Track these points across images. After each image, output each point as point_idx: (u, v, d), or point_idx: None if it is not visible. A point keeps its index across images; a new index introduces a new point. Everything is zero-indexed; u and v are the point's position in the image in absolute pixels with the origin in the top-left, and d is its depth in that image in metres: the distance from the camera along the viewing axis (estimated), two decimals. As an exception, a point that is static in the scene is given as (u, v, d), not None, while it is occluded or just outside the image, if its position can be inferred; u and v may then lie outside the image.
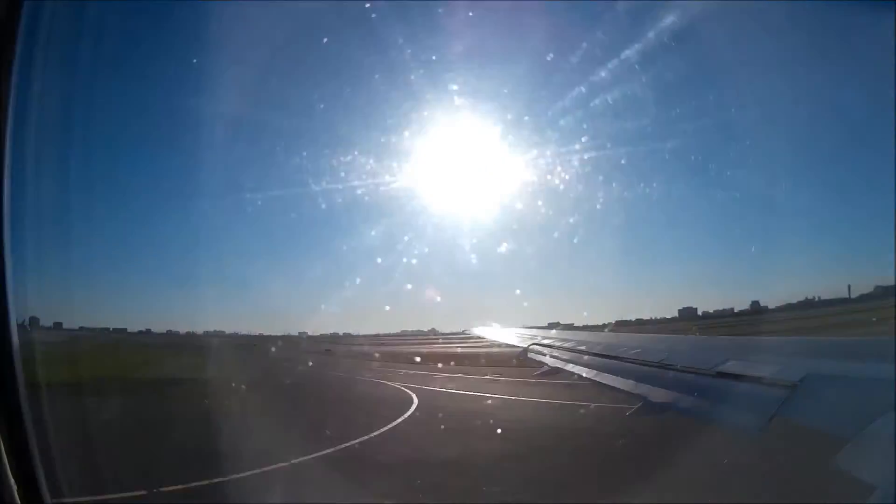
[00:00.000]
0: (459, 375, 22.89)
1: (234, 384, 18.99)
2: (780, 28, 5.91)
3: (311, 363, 32.33)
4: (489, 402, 16.76)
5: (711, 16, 6.69)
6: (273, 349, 38.95)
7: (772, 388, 3.32)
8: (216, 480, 8.04)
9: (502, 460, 9.41)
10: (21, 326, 2.63)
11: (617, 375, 5.24)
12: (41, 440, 2.60)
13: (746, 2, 7.06)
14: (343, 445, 10.63)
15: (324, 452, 10.05)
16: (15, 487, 2.36)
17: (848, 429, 2.56)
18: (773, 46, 6.41)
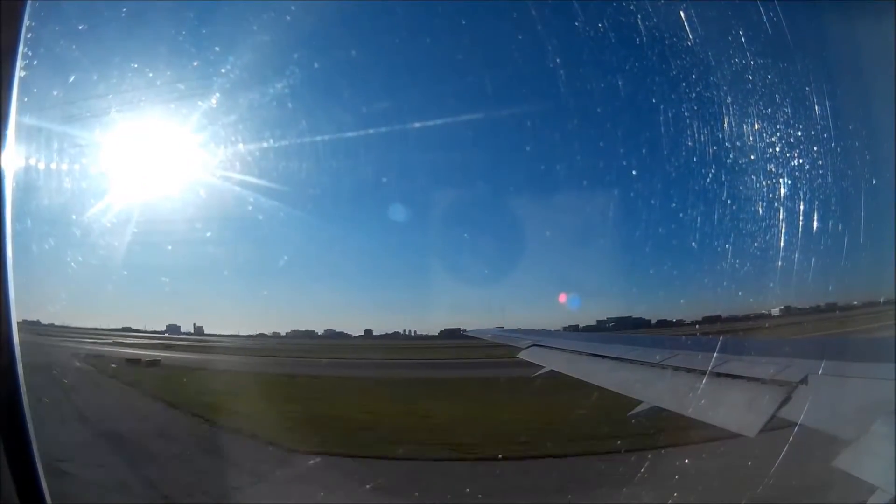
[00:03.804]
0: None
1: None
2: (776, 28, 5.90)
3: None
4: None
5: (705, 17, 6.66)
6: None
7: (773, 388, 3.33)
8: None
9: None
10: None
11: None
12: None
13: (743, 2, 7.05)
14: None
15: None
16: (14, 487, 2.36)
17: (849, 430, 2.56)
18: (770, 47, 6.40)
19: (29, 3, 2.59)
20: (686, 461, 7.01)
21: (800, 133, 6.71)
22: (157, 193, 12.83)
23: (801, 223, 6.97)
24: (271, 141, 10.55)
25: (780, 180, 7.29)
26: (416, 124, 15.04)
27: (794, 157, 6.96)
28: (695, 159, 8.92)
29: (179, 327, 31.54)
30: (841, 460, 2.42)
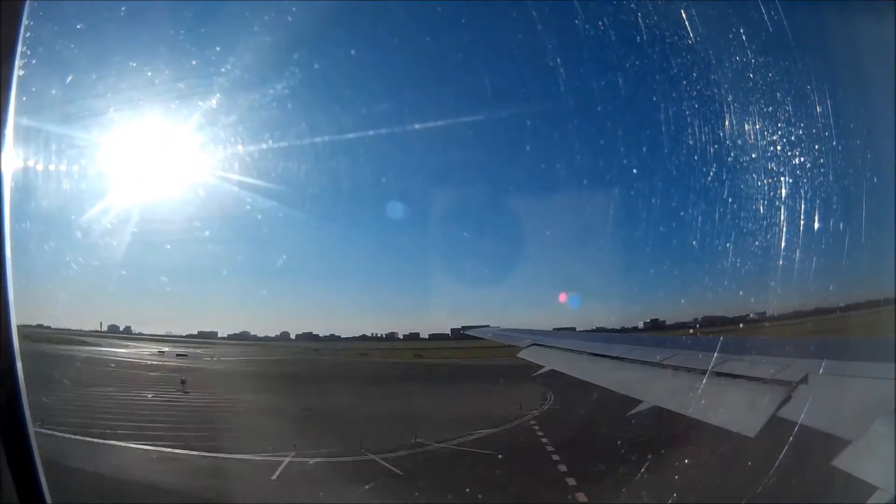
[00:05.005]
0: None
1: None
2: (777, 27, 5.88)
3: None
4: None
5: (706, 16, 6.64)
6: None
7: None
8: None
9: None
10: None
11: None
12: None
13: (744, 1, 7.03)
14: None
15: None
16: (14, 487, 2.36)
17: (849, 430, 2.56)
18: (771, 46, 6.38)
19: (28, 3, 2.58)
20: (686, 461, 7.01)
21: (801, 132, 6.69)
22: (157, 194, 12.84)
23: (801, 222, 6.96)
24: (271, 142, 10.55)
25: (781, 179, 7.28)
26: (416, 125, 15.04)
27: (795, 156, 6.95)
28: (695, 158, 8.92)
29: (118, 327, 32.01)
30: (841, 460, 2.42)
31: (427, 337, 33.31)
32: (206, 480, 9.45)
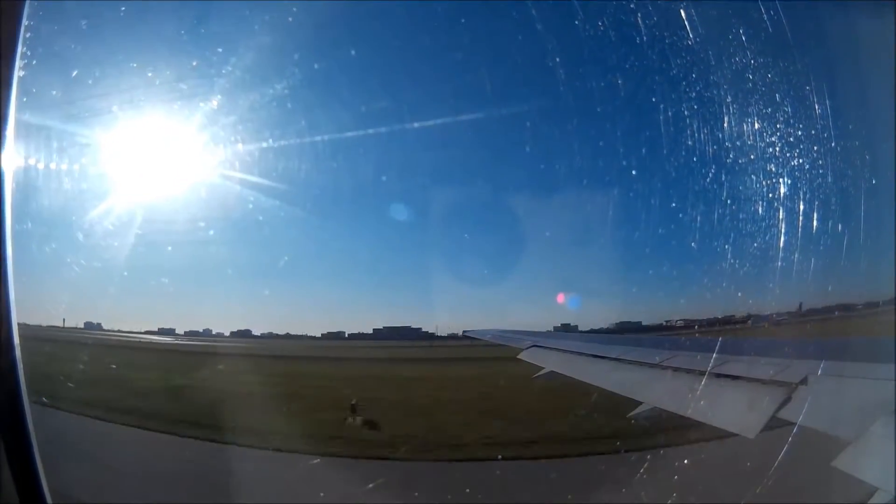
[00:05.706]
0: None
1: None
2: (777, 27, 5.89)
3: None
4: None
5: (705, 16, 6.64)
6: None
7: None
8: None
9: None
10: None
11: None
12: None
13: (743, 1, 7.04)
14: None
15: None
16: (14, 487, 2.36)
17: (849, 430, 2.56)
18: (770, 46, 6.40)
19: (28, 3, 2.58)
20: (686, 461, 7.01)
21: (800, 133, 6.70)
22: (158, 193, 12.83)
23: (800, 223, 6.96)
24: (271, 140, 10.55)
25: (780, 180, 7.29)
26: (416, 124, 15.04)
27: (794, 157, 6.95)
28: (694, 159, 8.92)
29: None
30: (841, 460, 2.42)
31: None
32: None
